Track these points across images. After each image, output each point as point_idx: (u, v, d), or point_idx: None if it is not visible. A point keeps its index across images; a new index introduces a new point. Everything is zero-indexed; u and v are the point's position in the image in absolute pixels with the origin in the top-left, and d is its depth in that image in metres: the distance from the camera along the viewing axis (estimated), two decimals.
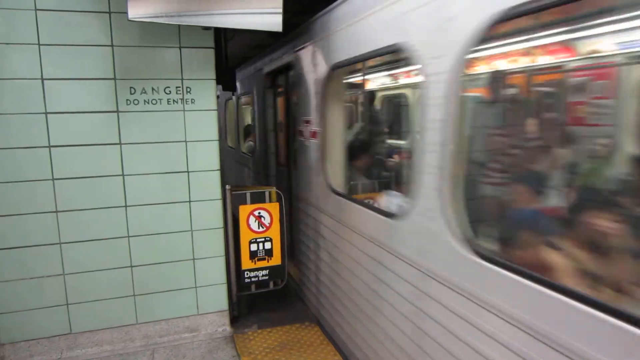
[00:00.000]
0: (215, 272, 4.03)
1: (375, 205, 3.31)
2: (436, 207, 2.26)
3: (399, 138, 5.29)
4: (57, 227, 3.52)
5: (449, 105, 2.14)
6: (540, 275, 1.69)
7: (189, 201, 3.84)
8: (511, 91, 3.75)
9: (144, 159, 3.66)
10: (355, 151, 4.16)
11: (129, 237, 3.72)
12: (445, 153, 2.19)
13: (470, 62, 2.18)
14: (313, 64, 3.94)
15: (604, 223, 2.07)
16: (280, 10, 3.11)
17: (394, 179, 4.25)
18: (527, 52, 3.44)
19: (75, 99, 3.42)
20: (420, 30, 2.38)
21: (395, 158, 4.80)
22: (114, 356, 3.72)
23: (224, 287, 4.10)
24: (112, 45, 3.44)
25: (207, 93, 3.73)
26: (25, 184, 3.40)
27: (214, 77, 3.75)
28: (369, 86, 5.85)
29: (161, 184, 3.74)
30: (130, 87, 3.54)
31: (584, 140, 3.41)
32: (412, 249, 2.51)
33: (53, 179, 3.46)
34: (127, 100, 3.54)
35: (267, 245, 4.26)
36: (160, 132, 3.67)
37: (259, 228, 4.21)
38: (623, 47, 3.00)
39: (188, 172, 3.79)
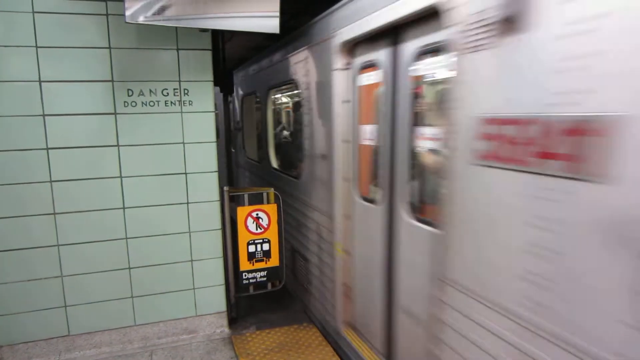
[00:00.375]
0: (213, 273, 4.04)
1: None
2: (272, 156, 5.82)
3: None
4: (55, 229, 3.53)
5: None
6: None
7: (187, 203, 3.84)
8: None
9: (141, 160, 3.67)
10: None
11: (127, 238, 3.73)
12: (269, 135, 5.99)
13: None
14: (236, 92, 7.89)
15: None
16: (278, 13, 3.12)
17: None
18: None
19: (73, 101, 3.43)
20: None
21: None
22: (112, 358, 3.73)
23: (222, 289, 4.11)
24: (109, 48, 3.45)
25: (204, 95, 3.74)
26: (23, 186, 3.41)
27: (212, 79, 3.75)
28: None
29: (159, 186, 3.75)
30: (128, 89, 3.54)
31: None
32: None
33: (51, 181, 3.46)
34: (124, 102, 3.55)
35: (265, 247, 4.26)
36: (158, 133, 3.68)
37: (257, 229, 4.22)
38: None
39: (186, 173, 3.79)
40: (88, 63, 3.42)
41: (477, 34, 1.91)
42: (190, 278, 3.98)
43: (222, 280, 4.09)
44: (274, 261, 4.31)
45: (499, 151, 1.83)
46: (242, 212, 4.15)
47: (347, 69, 3.37)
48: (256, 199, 4.35)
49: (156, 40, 3.55)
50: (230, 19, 3.09)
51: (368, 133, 3.27)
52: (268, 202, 4.33)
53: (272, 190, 4.38)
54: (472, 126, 1.97)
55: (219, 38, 4.33)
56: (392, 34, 2.83)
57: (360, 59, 3.25)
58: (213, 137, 3.83)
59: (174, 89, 3.65)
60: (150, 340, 3.91)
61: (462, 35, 2.00)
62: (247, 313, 4.52)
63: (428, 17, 2.37)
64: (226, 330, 4.12)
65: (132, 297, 3.83)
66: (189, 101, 3.70)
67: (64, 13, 3.31)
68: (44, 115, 3.37)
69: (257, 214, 4.20)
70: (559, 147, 1.56)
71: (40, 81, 3.33)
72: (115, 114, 3.54)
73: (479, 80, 1.93)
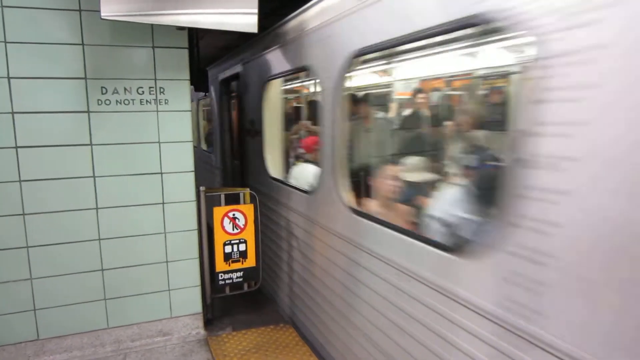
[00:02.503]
0: (189, 274, 3.99)
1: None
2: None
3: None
4: (24, 230, 3.42)
5: None
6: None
7: (162, 203, 3.79)
8: None
9: (115, 160, 3.59)
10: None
11: (100, 239, 3.64)
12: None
13: None
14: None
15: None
16: (256, 10, 3.11)
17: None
18: None
19: (43, 99, 3.33)
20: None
21: None
22: None
23: (198, 290, 4.06)
24: (82, 44, 3.37)
25: (180, 93, 3.70)
26: None
27: (188, 77, 3.72)
28: None
29: (133, 186, 3.68)
30: (102, 87, 3.47)
31: None
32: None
33: (20, 181, 3.35)
34: (98, 100, 3.47)
35: (242, 247, 4.24)
36: (132, 132, 3.61)
37: (233, 230, 4.19)
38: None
39: (161, 173, 3.74)
40: (60, 60, 3.33)
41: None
42: (166, 279, 3.92)
43: (197, 281, 4.05)
44: (251, 262, 4.29)
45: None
46: (218, 212, 4.12)
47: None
48: (232, 199, 4.33)
49: (131, 37, 3.49)
50: (208, 16, 3.07)
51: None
52: (244, 202, 4.31)
53: (248, 191, 4.36)
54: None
55: (195, 36, 4.28)
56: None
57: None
58: (189, 137, 3.79)
59: (150, 87, 3.59)
60: (124, 343, 3.83)
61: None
62: (223, 314, 4.48)
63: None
64: (202, 331, 4.08)
65: (104, 299, 3.74)
66: (165, 100, 3.65)
67: (34, 8, 3.21)
68: (12, 113, 3.26)
69: (233, 214, 4.17)
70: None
71: (9, 77, 3.22)
72: (88, 112, 3.46)
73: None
